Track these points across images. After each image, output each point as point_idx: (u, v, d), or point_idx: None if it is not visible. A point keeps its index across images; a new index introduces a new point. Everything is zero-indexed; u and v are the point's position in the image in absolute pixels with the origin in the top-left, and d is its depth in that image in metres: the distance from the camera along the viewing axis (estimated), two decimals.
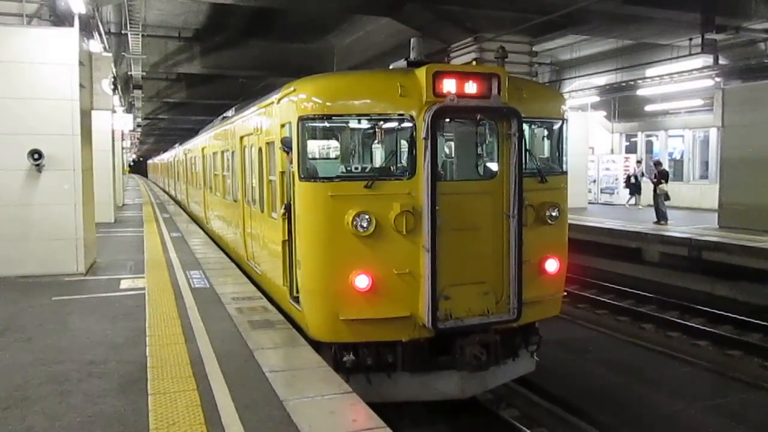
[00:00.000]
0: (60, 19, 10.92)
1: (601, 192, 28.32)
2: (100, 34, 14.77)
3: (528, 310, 6.98)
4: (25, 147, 10.00)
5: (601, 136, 29.66)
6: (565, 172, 7.83)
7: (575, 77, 24.79)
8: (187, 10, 21.60)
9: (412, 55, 7.39)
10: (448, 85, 6.61)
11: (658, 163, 20.04)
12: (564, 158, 7.82)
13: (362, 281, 6.48)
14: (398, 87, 6.60)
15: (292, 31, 23.42)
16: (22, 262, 10.24)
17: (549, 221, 7.34)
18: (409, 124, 6.65)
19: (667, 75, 20.61)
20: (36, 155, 10.06)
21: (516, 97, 6.95)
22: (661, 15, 16.24)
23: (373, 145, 7.78)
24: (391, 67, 7.71)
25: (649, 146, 28.54)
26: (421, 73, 6.64)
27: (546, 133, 7.79)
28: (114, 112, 20.85)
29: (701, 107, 24.19)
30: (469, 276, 6.85)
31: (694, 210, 22.84)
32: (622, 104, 27.77)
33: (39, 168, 10.18)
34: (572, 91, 24.90)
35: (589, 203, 26.72)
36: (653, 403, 8.80)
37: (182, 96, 32.78)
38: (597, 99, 25.60)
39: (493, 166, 7.17)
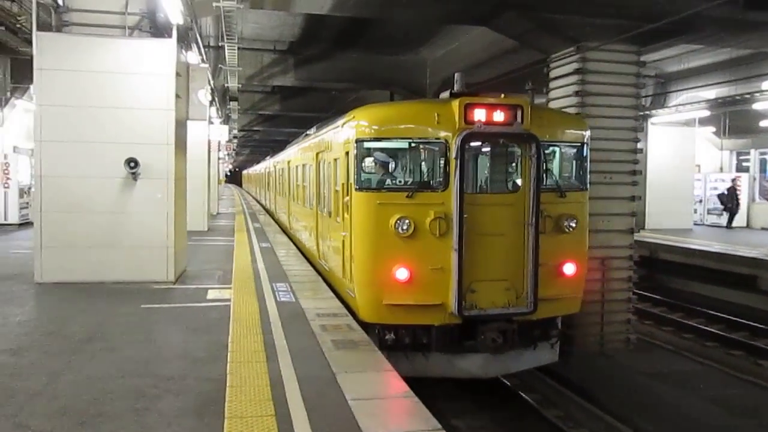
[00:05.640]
0: (159, 30, 11.10)
1: (708, 213, 26.41)
2: (198, 47, 15.08)
3: (546, 306, 8.22)
4: (121, 156, 10.13)
5: (708, 153, 27.76)
6: (586, 189, 9.02)
7: (683, 90, 23.15)
8: (282, 23, 21.91)
9: (456, 88, 8.68)
10: (478, 114, 7.97)
11: None
12: (586, 177, 9.02)
13: (402, 273, 7.93)
14: (435, 116, 8.07)
15: (383, 43, 23.27)
16: (114, 268, 10.34)
17: (566, 230, 8.47)
18: (444, 146, 8.06)
19: None
20: (132, 163, 10.17)
21: (537, 124, 8.20)
22: None
23: (415, 163, 9.09)
24: (440, 96, 9.01)
25: (763, 165, 26.43)
26: (455, 103, 8.05)
27: (568, 154, 9.05)
28: (211, 123, 21.38)
29: None
30: (493, 274, 8.14)
31: None
32: (732, 119, 25.80)
33: (135, 176, 10.30)
34: (679, 105, 23.37)
35: (695, 224, 25.02)
36: None
37: (276, 108, 33.41)
38: (706, 114, 23.82)
39: (518, 182, 8.47)
